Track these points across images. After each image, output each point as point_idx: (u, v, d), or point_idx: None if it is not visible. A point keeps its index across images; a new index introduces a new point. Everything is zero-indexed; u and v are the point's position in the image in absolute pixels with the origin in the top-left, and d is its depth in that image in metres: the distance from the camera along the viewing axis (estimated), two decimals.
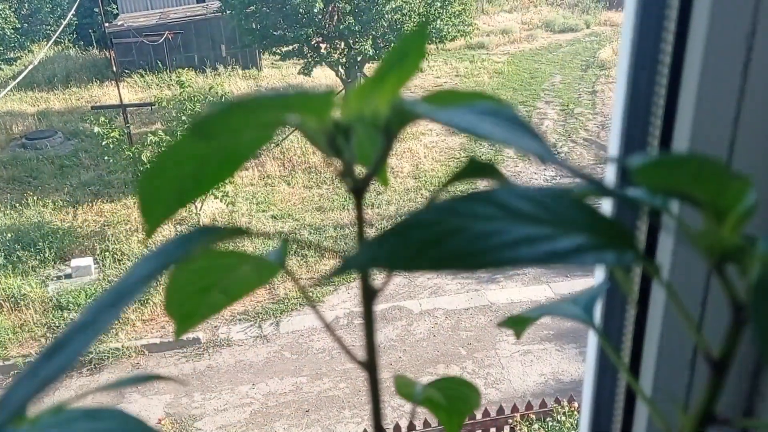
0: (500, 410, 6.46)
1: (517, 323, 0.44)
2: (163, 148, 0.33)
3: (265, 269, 0.38)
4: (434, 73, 17.30)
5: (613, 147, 0.51)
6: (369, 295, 0.34)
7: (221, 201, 10.77)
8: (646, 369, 0.46)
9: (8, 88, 13.38)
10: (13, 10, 16.25)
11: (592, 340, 0.51)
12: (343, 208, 11.97)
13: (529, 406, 6.38)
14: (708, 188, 0.28)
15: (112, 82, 15.99)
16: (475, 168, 0.32)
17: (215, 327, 9.35)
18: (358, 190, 0.33)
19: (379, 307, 9.21)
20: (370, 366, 0.36)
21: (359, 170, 0.32)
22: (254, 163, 12.74)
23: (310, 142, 0.32)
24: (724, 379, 0.30)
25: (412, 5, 13.11)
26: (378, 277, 0.33)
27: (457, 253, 0.25)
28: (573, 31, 20.84)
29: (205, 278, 0.39)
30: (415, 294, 9.58)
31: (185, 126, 11.16)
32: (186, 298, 0.39)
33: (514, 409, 6.37)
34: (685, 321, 0.31)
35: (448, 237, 0.26)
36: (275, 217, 11.85)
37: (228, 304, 0.41)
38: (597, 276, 0.51)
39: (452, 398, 0.45)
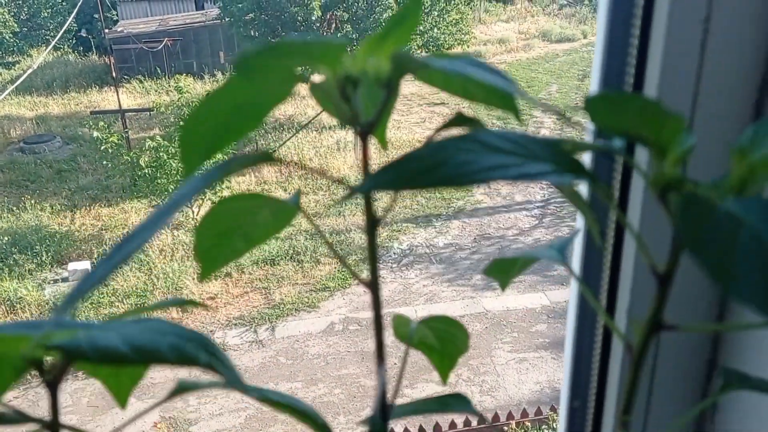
0: (495, 417, 6.45)
1: (501, 271, 0.44)
2: (196, 103, 0.34)
3: (282, 213, 0.41)
4: None
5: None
6: (372, 223, 0.39)
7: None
8: (621, 306, 0.49)
9: (6, 92, 13.40)
10: (12, 14, 16.28)
11: (573, 289, 0.54)
12: (339, 214, 12.00)
13: (524, 414, 6.37)
14: (650, 127, 0.32)
15: (111, 87, 16.03)
16: (461, 119, 0.34)
17: (211, 331, 9.35)
18: (364, 133, 0.38)
19: None
20: (373, 286, 0.41)
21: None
22: (251, 169, 12.76)
23: (320, 99, 0.34)
24: (668, 290, 0.35)
25: None
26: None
27: (444, 177, 0.31)
28: (570, 41, 20.94)
29: (228, 222, 0.43)
30: (410, 301, 9.59)
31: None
32: (211, 242, 0.41)
33: (510, 416, 6.36)
34: (639, 245, 0.32)
35: (437, 167, 0.31)
36: None
37: (247, 249, 0.44)
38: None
39: (444, 340, 0.46)
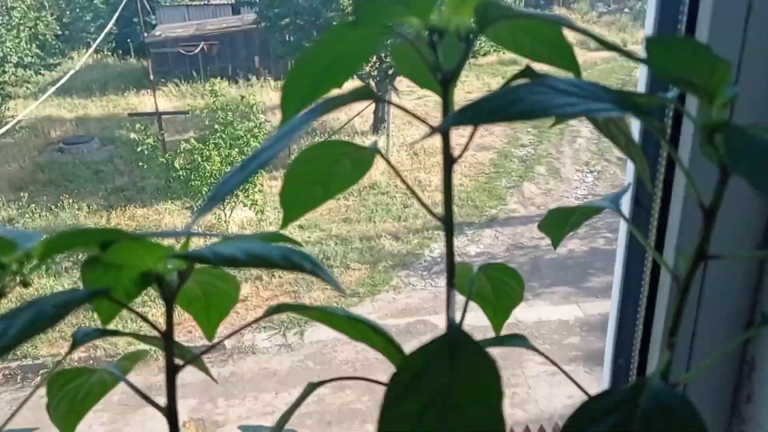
0: (526, 431, 6.40)
1: (555, 225, 0.48)
2: (297, 57, 0.38)
3: (361, 162, 0.44)
4: (465, 88, 17.35)
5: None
6: (449, 161, 0.41)
7: (250, 209, 10.89)
8: (668, 244, 0.53)
9: (48, 93, 13.71)
10: (55, 17, 16.68)
11: (623, 232, 0.58)
12: (369, 220, 12.01)
13: (555, 428, 6.33)
14: (700, 72, 0.35)
15: (149, 90, 16.31)
16: (529, 73, 0.38)
17: (241, 334, 9.42)
18: (445, 81, 0.42)
19: (404, 320, 9.20)
20: (448, 222, 0.42)
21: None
22: (284, 173, 12.83)
23: (398, 58, 0.39)
24: (713, 222, 0.38)
25: None
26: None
27: (520, 112, 0.34)
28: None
29: (311, 169, 0.45)
30: (440, 309, 9.56)
31: (217, 134, 11.37)
32: (294, 189, 0.44)
33: (541, 430, 6.31)
34: (688, 181, 0.36)
35: (513, 104, 0.35)
36: (302, 227, 11.94)
37: (325, 198, 0.47)
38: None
39: (499, 292, 0.49)
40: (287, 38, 14.37)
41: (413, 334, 8.99)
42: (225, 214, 11.00)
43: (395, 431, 0.31)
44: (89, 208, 12.26)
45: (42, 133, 15.70)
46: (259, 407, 7.98)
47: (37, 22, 14.47)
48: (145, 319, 0.38)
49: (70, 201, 12.33)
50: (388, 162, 0.44)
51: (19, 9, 13.04)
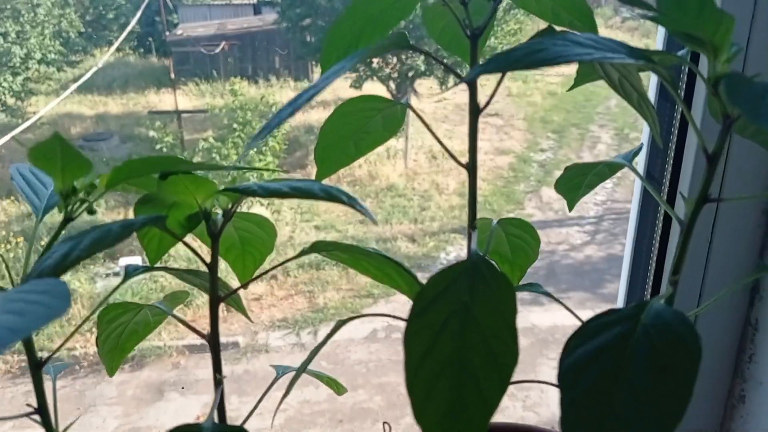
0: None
1: (570, 184, 0.51)
2: (337, 16, 0.41)
3: (391, 120, 0.47)
4: (486, 92, 17.24)
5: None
6: (475, 111, 0.42)
7: (266, 208, 10.97)
8: (679, 196, 0.57)
9: (70, 89, 13.87)
10: (79, 14, 16.87)
11: (637, 189, 0.61)
12: (386, 222, 12.01)
13: None
14: (707, 27, 0.38)
15: (168, 88, 16.46)
16: (552, 30, 0.41)
17: (255, 332, 9.47)
18: (475, 36, 0.47)
19: None
20: (472, 168, 0.43)
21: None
22: (301, 174, 12.93)
23: (430, 19, 0.42)
24: (715, 167, 0.42)
25: None
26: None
27: (543, 59, 0.38)
28: None
29: (345, 123, 0.48)
30: None
31: (235, 133, 11.46)
32: (328, 144, 0.48)
33: None
34: (695, 131, 0.39)
35: (537, 52, 0.39)
36: (318, 228, 11.97)
37: (356, 156, 0.50)
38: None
39: (516, 249, 0.52)
40: (308, 39, 14.47)
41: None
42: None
43: (419, 340, 0.35)
44: (107, 204, 12.37)
45: (63, 130, 15.89)
46: (271, 404, 7.99)
47: (61, 19, 14.66)
48: (193, 250, 0.42)
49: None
50: (421, 118, 0.47)
51: (44, 6, 13.22)
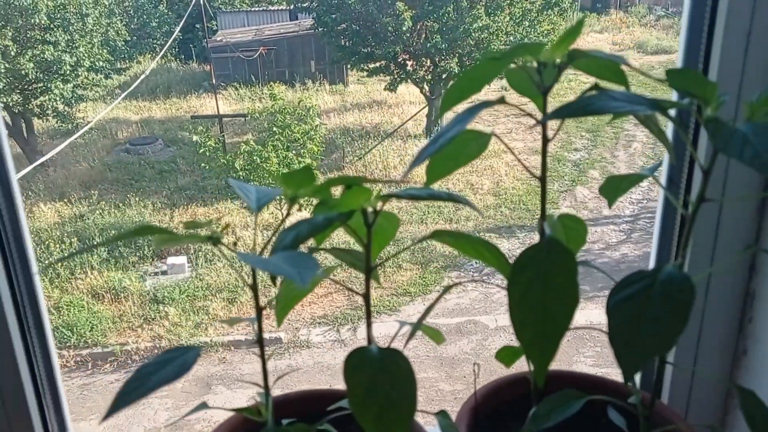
0: None
1: (612, 188, 0.71)
2: (455, 78, 0.58)
3: (481, 143, 0.68)
4: (516, 96, 17.34)
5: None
6: (545, 142, 0.63)
7: (305, 209, 11.16)
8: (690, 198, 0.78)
9: (120, 97, 14.35)
10: (124, 23, 17.42)
11: (660, 196, 0.82)
12: (421, 222, 12.14)
13: None
14: (699, 88, 0.58)
15: (209, 93, 16.91)
16: (596, 88, 0.61)
17: (296, 329, 9.69)
18: (545, 92, 0.64)
19: (455, 320, 9.38)
20: (543, 180, 0.64)
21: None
22: (337, 175, 13.14)
23: (512, 78, 0.62)
24: (708, 179, 0.62)
25: (500, 24, 13.30)
26: None
27: (590, 110, 0.56)
28: (667, 53, 20.28)
29: (452, 150, 0.68)
30: (491, 310, 9.68)
31: (275, 136, 11.70)
32: (435, 165, 0.69)
33: None
34: (693, 153, 0.59)
35: (587, 106, 0.57)
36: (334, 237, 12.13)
37: (453, 169, 0.69)
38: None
39: (570, 236, 0.71)
40: (343, 43, 14.68)
41: (463, 333, 9.16)
42: (282, 214, 11.33)
43: (515, 291, 0.56)
44: (153, 206, 12.77)
45: (110, 135, 16.39)
46: None
47: (108, 28, 15.13)
48: (354, 232, 0.63)
49: (137, 199, 12.87)
50: (504, 142, 0.68)
51: (92, 16, 13.67)
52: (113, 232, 11.62)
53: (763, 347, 0.84)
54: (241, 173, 11.38)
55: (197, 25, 18.98)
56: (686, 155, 0.84)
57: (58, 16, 13.08)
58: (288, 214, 0.64)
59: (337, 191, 0.63)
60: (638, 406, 0.69)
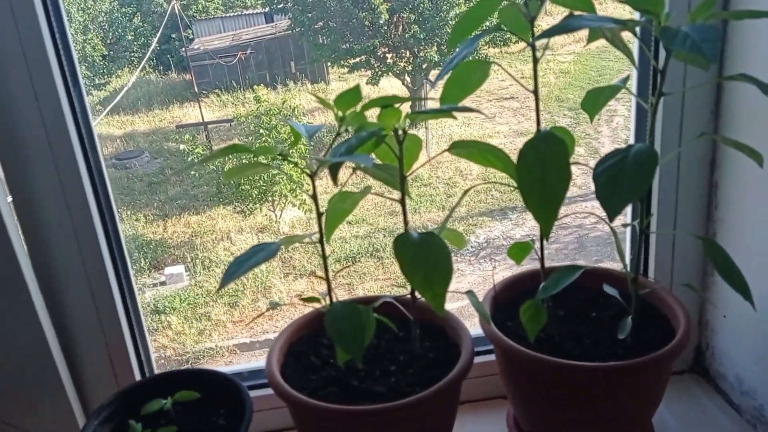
0: None
1: (592, 102, 0.88)
2: (460, 17, 0.69)
3: (483, 74, 0.84)
4: (499, 77, 17.58)
5: None
6: (535, 61, 0.79)
7: (299, 208, 11.28)
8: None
9: (103, 113, 14.39)
10: (100, 38, 17.44)
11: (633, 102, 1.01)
12: (414, 211, 12.27)
13: None
14: (651, 5, 0.74)
15: (191, 102, 16.97)
16: (570, 16, 0.77)
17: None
18: (532, 20, 0.80)
19: (455, 305, 9.55)
20: (536, 93, 0.80)
21: None
22: (326, 173, 13.24)
23: (505, 16, 0.78)
24: (665, 76, 0.79)
25: None
26: None
27: (571, 28, 0.71)
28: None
29: (458, 79, 0.85)
30: None
31: (262, 139, 11.82)
32: (448, 91, 0.85)
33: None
34: (655, 62, 0.75)
35: (567, 26, 0.71)
36: (350, 223, 12.26)
37: (464, 96, 0.85)
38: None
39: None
40: (322, 41, 14.82)
41: (465, 317, 9.22)
42: (276, 215, 11.45)
43: (522, 168, 0.73)
44: (146, 218, 12.80)
45: None
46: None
47: (85, 44, 15.17)
48: (390, 146, 0.79)
49: (128, 213, 12.90)
50: (506, 70, 0.85)
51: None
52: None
53: (727, 226, 1.02)
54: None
55: (173, 35, 19.03)
56: (650, 67, 1.01)
57: None
58: (338, 134, 0.80)
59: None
60: (627, 273, 0.86)
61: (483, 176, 13.17)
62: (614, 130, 15.04)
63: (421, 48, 13.95)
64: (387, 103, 0.76)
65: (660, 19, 0.74)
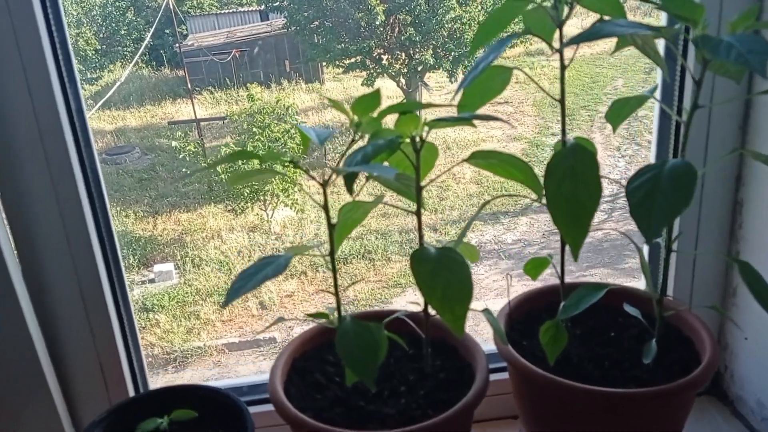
0: None
1: (617, 113, 0.84)
2: (484, 20, 0.66)
3: (504, 79, 0.79)
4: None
5: None
6: (563, 69, 0.75)
7: (291, 208, 11.21)
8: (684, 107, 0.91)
9: (96, 107, 14.28)
10: (93, 32, 17.32)
11: (656, 111, 0.96)
12: (407, 214, 12.22)
13: None
14: (687, 11, 0.69)
15: (184, 99, 16.86)
16: (601, 20, 0.73)
17: (290, 327, 9.73)
18: (560, 25, 0.76)
19: None
20: (562, 101, 0.76)
21: None
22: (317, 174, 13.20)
23: (529, 18, 0.73)
24: (701, 88, 0.74)
25: (472, 14, 13.46)
26: None
27: (603, 34, 0.67)
28: None
29: (479, 85, 0.80)
30: (481, 295, 9.74)
31: (255, 137, 11.74)
32: (467, 98, 0.81)
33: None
34: (687, 70, 0.71)
35: (598, 31, 0.67)
36: None
37: (483, 103, 0.81)
38: None
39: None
40: (317, 41, 14.77)
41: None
42: (267, 215, 11.39)
43: (550, 184, 0.68)
44: (135, 215, 12.70)
45: None
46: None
47: (78, 38, 15.05)
48: (406, 154, 0.74)
49: (118, 209, 12.79)
50: (527, 75, 0.80)
51: None
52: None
53: (752, 246, 0.98)
54: (223, 176, 11.39)
55: (167, 31, 18.91)
56: (677, 75, 0.97)
57: None
58: (353, 140, 0.76)
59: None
60: (651, 292, 0.82)
61: (476, 180, 13.16)
62: (607, 137, 15.06)
63: (417, 50, 13.93)
64: (406, 109, 0.71)
65: (699, 27, 0.70)
